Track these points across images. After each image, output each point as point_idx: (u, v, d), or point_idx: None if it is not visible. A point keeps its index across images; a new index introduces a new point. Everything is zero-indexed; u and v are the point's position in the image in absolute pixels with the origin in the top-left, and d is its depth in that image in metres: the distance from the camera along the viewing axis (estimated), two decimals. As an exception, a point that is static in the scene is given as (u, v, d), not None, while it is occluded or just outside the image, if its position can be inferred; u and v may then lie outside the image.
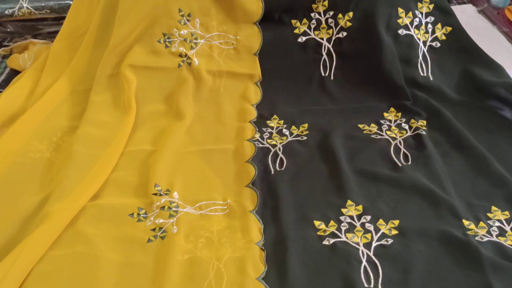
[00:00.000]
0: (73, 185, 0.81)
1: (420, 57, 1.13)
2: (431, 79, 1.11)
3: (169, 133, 0.96)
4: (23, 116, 0.98)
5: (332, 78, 1.12)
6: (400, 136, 0.98)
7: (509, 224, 0.78)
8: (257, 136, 0.98)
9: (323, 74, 1.13)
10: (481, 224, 0.78)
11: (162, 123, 0.99)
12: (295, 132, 0.99)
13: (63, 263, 0.71)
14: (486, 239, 0.76)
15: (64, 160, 0.88)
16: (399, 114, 1.04)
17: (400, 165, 0.90)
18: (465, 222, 0.78)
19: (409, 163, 0.91)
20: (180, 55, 1.07)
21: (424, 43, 1.14)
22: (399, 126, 1.01)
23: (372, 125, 1.02)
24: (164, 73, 1.05)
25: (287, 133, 1.00)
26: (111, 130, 0.95)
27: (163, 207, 0.80)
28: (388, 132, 0.99)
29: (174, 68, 1.06)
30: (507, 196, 0.83)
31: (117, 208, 0.81)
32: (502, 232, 0.76)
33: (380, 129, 1.01)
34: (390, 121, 1.03)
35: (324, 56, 1.13)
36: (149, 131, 0.97)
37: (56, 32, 1.16)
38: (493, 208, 0.81)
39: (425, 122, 1.01)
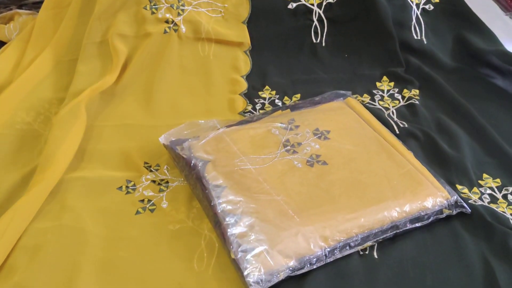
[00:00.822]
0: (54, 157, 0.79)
1: (414, 20, 1.11)
2: (425, 42, 1.10)
3: (153, 105, 0.95)
4: (9, 88, 0.96)
5: (323, 44, 1.11)
6: (393, 106, 0.97)
7: (500, 192, 0.78)
8: (249, 107, 0.97)
9: (314, 41, 1.11)
10: (475, 189, 0.78)
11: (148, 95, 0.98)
12: (288, 103, 0.98)
13: (48, 236, 0.69)
14: (479, 202, 0.76)
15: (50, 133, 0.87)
16: (392, 84, 1.03)
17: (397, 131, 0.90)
18: (458, 187, 0.78)
19: (406, 126, 0.91)
20: (167, 21, 1.04)
21: (417, 5, 1.13)
22: (391, 96, 1.00)
23: (365, 95, 1.00)
24: (150, 40, 1.02)
25: (280, 103, 0.98)
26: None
27: (153, 181, 0.79)
28: (381, 102, 0.98)
29: (160, 34, 1.03)
30: (499, 164, 0.82)
31: (104, 181, 0.79)
32: (493, 200, 0.76)
33: (372, 99, 0.99)
34: (382, 91, 1.02)
35: (315, 22, 1.11)
36: (134, 103, 0.96)
37: (42, 2, 1.13)
38: (485, 175, 0.80)
39: (418, 91, 1.00)
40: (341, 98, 0.92)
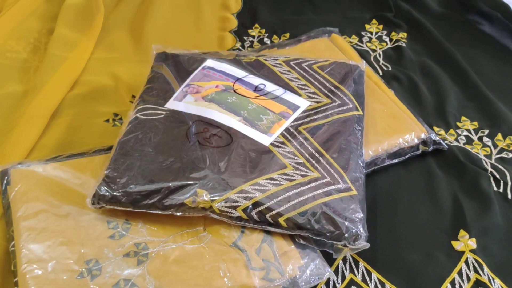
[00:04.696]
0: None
1: (405, -34, 1.07)
2: (415, -12, 1.07)
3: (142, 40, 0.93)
4: (0, 17, 0.93)
5: (315, -14, 1.08)
6: (380, 48, 0.96)
7: (476, 134, 0.78)
8: (238, 45, 0.95)
9: (306, -17, 1.08)
10: (451, 131, 0.78)
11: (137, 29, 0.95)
12: (276, 41, 0.96)
13: None
14: (454, 143, 0.76)
15: (41, 63, 0.85)
16: (381, 27, 1.01)
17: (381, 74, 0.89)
18: (435, 129, 0.78)
19: (390, 69, 0.90)
20: None
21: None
22: (379, 38, 0.99)
23: (353, 36, 0.99)
24: None
25: (268, 42, 0.96)
26: (84, 33, 0.91)
27: None
28: (368, 44, 0.97)
29: None
30: (478, 108, 0.82)
31: (92, 112, 0.78)
32: (469, 141, 0.77)
33: (360, 40, 0.98)
34: (371, 33, 1.00)
35: (307, -37, 1.07)
36: (123, 37, 0.94)
37: None
38: (463, 118, 0.81)
39: (406, 34, 0.99)
40: (327, 35, 0.90)
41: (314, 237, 0.56)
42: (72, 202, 0.60)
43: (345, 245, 0.56)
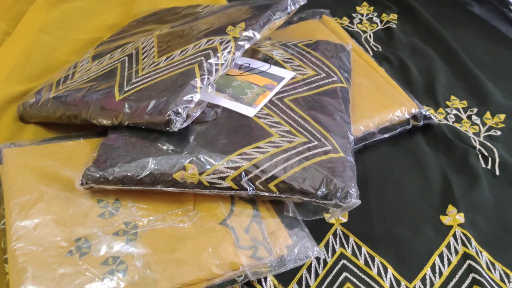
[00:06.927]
0: None
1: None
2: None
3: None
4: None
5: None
6: (370, 30, 0.94)
7: (465, 112, 0.77)
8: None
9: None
10: (440, 110, 0.77)
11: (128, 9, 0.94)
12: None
13: None
14: (443, 122, 0.75)
15: None
16: (372, 8, 1.00)
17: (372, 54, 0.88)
18: (425, 108, 0.77)
19: (380, 49, 0.89)
20: None
21: None
22: (370, 19, 0.97)
23: (344, 18, 0.97)
24: None
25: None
26: None
27: None
28: (359, 26, 0.96)
29: None
30: (467, 87, 0.82)
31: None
32: (458, 120, 0.76)
33: (351, 22, 0.96)
34: (362, 14, 0.98)
35: None
36: (112, 18, 0.93)
37: None
38: (452, 97, 0.80)
39: (396, 16, 0.97)
40: (318, 17, 0.89)
41: (304, 198, 0.55)
42: (62, 181, 0.59)
43: (336, 205, 0.54)
